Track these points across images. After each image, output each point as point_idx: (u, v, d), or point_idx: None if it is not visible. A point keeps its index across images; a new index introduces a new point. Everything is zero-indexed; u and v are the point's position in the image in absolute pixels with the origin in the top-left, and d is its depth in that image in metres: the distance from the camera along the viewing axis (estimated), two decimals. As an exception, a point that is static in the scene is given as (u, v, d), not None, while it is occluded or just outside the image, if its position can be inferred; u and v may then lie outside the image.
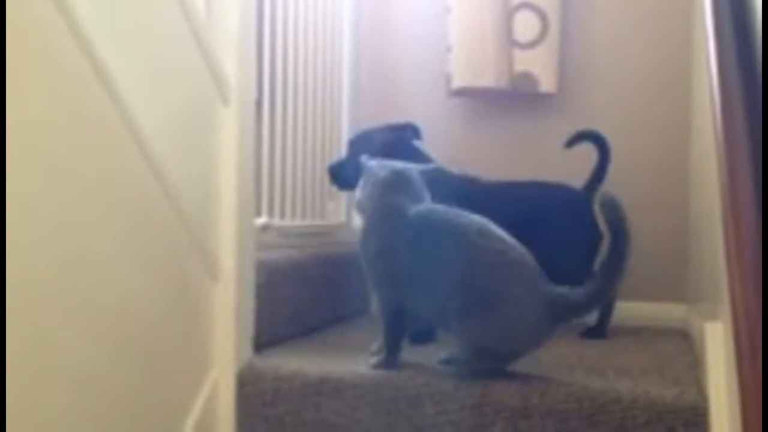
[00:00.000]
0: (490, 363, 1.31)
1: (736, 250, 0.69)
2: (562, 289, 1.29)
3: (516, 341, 1.29)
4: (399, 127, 1.85)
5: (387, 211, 1.39)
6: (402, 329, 1.41)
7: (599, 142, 1.89)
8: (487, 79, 2.15)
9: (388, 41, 2.35)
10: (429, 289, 1.33)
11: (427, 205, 1.40)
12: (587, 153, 2.20)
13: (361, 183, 1.46)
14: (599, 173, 1.89)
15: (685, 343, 1.77)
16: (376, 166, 1.44)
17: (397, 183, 1.41)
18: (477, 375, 1.30)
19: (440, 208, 1.38)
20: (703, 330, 1.29)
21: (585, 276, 1.80)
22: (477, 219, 1.34)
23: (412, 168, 1.45)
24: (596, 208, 1.27)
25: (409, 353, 1.47)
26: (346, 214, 2.23)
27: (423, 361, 1.43)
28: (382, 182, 1.41)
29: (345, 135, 2.23)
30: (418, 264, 1.33)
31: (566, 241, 1.81)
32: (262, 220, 1.68)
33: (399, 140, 1.83)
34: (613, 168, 2.13)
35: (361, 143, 1.84)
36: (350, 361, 1.44)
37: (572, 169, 2.19)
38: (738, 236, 0.70)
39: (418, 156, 1.79)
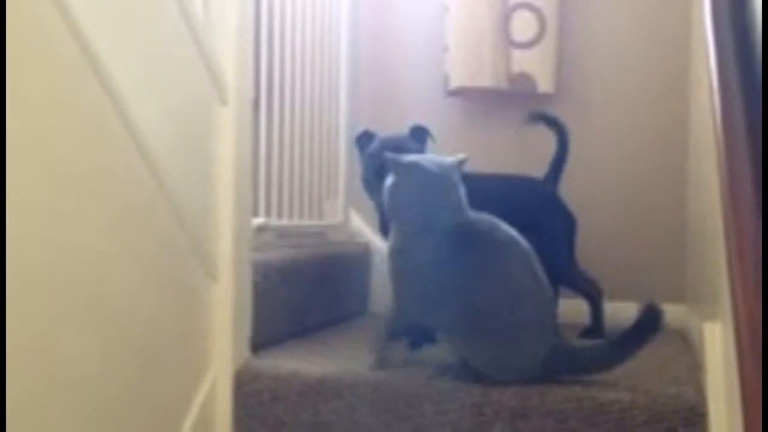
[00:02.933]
0: (472, 377, 1.30)
1: (737, 251, 0.69)
2: (573, 343, 1.31)
3: (504, 373, 1.30)
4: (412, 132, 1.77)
5: (428, 223, 1.31)
6: (402, 335, 1.40)
7: (554, 124, 1.84)
8: (485, 79, 2.14)
9: (386, 41, 2.35)
10: (451, 302, 1.30)
11: (471, 216, 1.33)
12: (583, 154, 2.21)
13: (390, 181, 1.34)
14: (559, 158, 1.85)
15: (683, 344, 1.77)
16: (409, 164, 1.32)
17: (436, 185, 1.31)
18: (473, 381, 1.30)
19: (486, 222, 1.32)
20: (702, 330, 1.29)
21: (567, 262, 1.79)
22: (524, 245, 1.31)
23: (446, 164, 1.33)
24: (640, 312, 1.28)
25: (408, 353, 1.47)
26: (343, 214, 2.23)
27: (422, 362, 1.42)
28: (421, 185, 1.31)
29: (343, 134, 2.23)
30: (449, 277, 1.29)
31: (544, 230, 1.78)
32: (259, 220, 1.67)
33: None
34: (612, 168, 2.13)
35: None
36: (349, 362, 1.43)
37: (568, 169, 2.18)
38: (739, 237, 0.70)
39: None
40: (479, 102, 2.26)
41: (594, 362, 1.30)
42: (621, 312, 1.95)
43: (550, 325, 1.30)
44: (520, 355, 1.29)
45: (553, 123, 1.85)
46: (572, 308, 1.93)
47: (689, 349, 1.69)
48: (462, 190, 1.34)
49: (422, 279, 1.31)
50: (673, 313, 2.05)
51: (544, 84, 2.15)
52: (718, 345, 1.17)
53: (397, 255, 1.34)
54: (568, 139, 1.85)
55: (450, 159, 1.35)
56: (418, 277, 1.31)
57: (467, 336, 1.30)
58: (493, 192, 1.80)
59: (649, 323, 1.26)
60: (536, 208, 1.81)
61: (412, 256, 1.32)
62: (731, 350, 0.79)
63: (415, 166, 1.31)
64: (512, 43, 2.17)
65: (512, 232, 1.32)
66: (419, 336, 1.66)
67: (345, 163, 2.24)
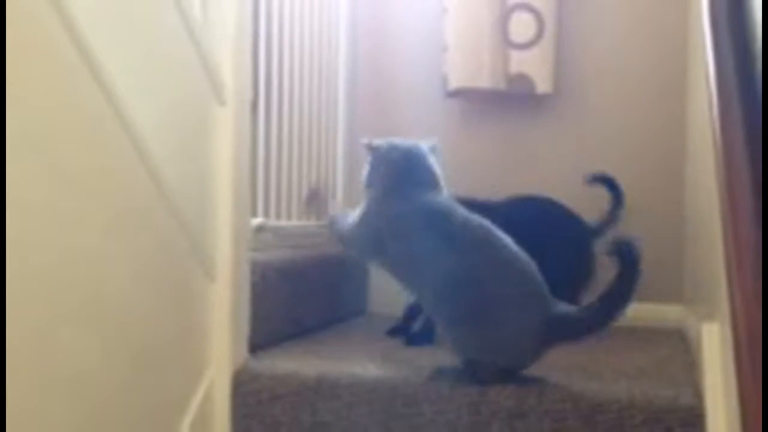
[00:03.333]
0: (480, 374, 1.29)
1: (735, 253, 0.69)
2: (564, 311, 1.27)
3: (507, 357, 1.29)
4: None
5: (394, 187, 1.39)
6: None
7: (612, 187, 1.89)
8: (483, 79, 2.15)
9: (384, 42, 2.35)
10: (424, 284, 1.33)
11: (431, 199, 1.37)
12: (581, 155, 2.21)
13: (368, 164, 1.44)
14: (611, 217, 1.88)
15: (681, 344, 1.77)
16: (385, 146, 1.43)
17: (408, 165, 1.40)
18: (470, 383, 1.29)
19: (444, 206, 1.35)
20: (699, 331, 1.29)
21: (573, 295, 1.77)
22: (484, 224, 1.32)
23: (422, 146, 1.44)
24: (611, 248, 1.25)
25: (406, 354, 1.47)
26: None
27: (420, 362, 1.42)
28: (394, 164, 1.41)
29: (341, 135, 2.23)
30: (414, 258, 1.33)
31: (560, 272, 1.77)
32: (257, 220, 1.67)
33: None
34: (610, 169, 2.13)
35: None
36: (347, 362, 1.44)
37: (566, 169, 2.19)
38: (737, 239, 0.70)
39: None
40: (478, 102, 2.26)
41: (591, 324, 1.27)
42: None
43: (538, 296, 1.27)
44: (511, 332, 1.26)
45: (609, 184, 1.89)
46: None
47: (687, 349, 1.69)
48: (431, 166, 1.42)
49: (376, 244, 1.38)
50: (671, 313, 2.06)
51: (543, 85, 2.16)
52: (716, 345, 1.17)
53: (362, 214, 1.42)
54: (622, 198, 1.88)
55: (421, 142, 1.46)
56: (373, 242, 1.38)
57: (455, 325, 1.30)
58: (525, 220, 1.76)
59: (629, 262, 1.24)
60: (564, 246, 1.82)
61: (378, 211, 1.39)
62: (729, 351, 0.79)
63: (386, 145, 1.43)
64: (511, 44, 2.17)
65: (471, 215, 1.34)
66: (418, 335, 1.66)
67: (343, 163, 2.24)
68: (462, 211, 1.35)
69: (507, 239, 1.31)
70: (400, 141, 1.44)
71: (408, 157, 1.41)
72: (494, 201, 1.87)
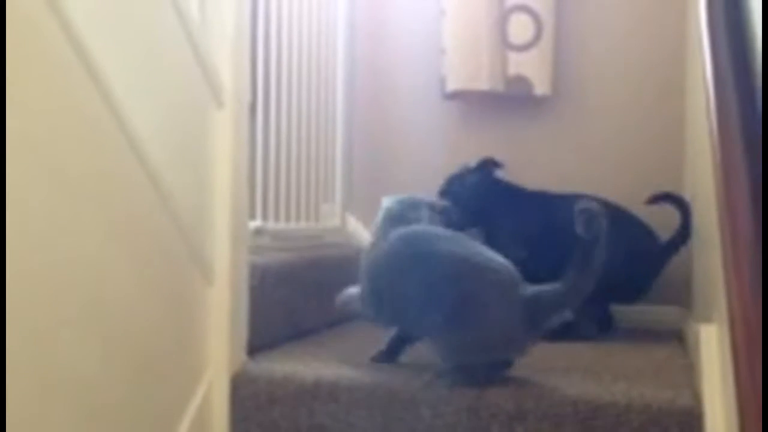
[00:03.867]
0: (476, 375, 1.30)
1: (733, 254, 0.69)
2: (535, 289, 1.27)
3: (493, 351, 1.29)
4: (481, 164, 1.93)
5: (378, 237, 1.44)
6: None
7: (680, 204, 1.87)
8: (482, 81, 2.15)
9: (383, 44, 2.35)
10: (408, 309, 1.34)
11: (399, 230, 1.41)
12: (580, 157, 2.21)
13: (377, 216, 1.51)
14: (683, 233, 1.86)
15: (680, 346, 1.77)
16: (387, 200, 1.50)
17: (399, 211, 1.46)
18: (466, 385, 1.29)
19: (409, 230, 1.39)
20: (698, 333, 1.29)
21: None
22: (444, 233, 1.35)
23: (418, 199, 1.50)
24: (575, 215, 1.23)
25: (405, 357, 1.47)
26: (340, 217, 2.23)
27: (419, 365, 1.42)
28: (387, 212, 1.47)
29: (339, 137, 2.23)
30: (395, 286, 1.36)
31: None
32: (256, 223, 1.67)
33: (484, 176, 1.92)
34: (606, 170, 2.14)
35: (453, 188, 1.93)
36: (345, 365, 1.43)
37: (564, 170, 2.19)
38: (735, 240, 0.70)
39: (503, 187, 1.93)
40: (476, 104, 2.26)
41: (567, 292, 1.26)
42: (617, 314, 1.95)
43: (509, 285, 1.27)
44: (496, 323, 1.26)
45: (675, 201, 1.87)
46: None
47: (685, 351, 1.69)
48: (423, 216, 1.47)
49: (371, 281, 1.42)
50: (669, 315, 2.06)
51: (541, 86, 2.15)
52: (714, 347, 1.17)
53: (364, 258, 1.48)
54: (690, 219, 1.85)
55: (428, 198, 1.53)
56: (369, 279, 1.43)
57: (437, 332, 1.30)
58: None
59: (590, 224, 1.22)
60: (636, 262, 1.83)
61: (366, 259, 1.45)
62: (727, 352, 0.79)
63: (383, 203, 1.50)
64: (509, 46, 2.17)
65: (433, 229, 1.39)
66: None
67: (342, 166, 2.24)
68: (431, 229, 1.39)
69: (473, 241, 1.34)
70: (407, 196, 1.51)
71: (400, 202, 1.47)
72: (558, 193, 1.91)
